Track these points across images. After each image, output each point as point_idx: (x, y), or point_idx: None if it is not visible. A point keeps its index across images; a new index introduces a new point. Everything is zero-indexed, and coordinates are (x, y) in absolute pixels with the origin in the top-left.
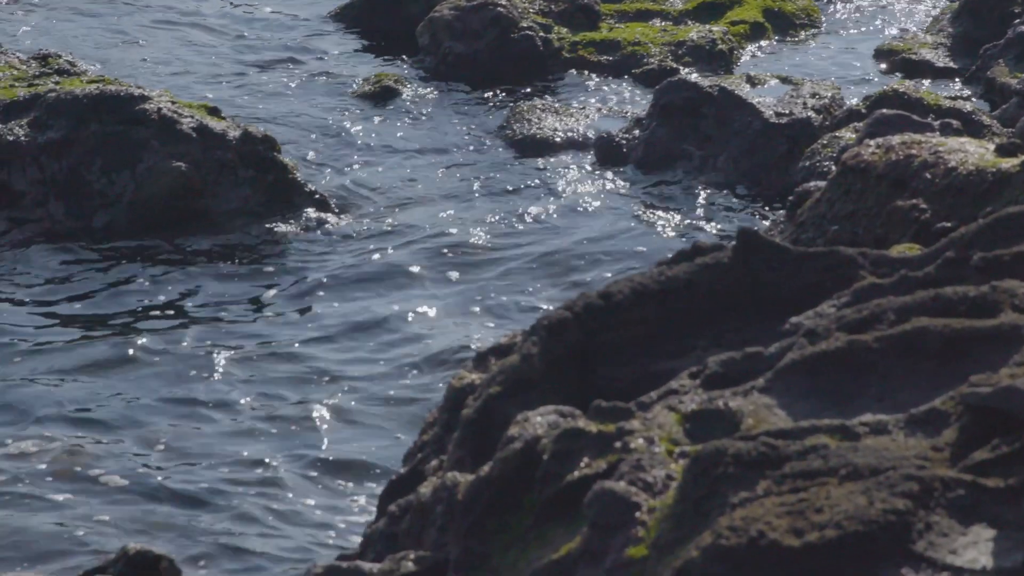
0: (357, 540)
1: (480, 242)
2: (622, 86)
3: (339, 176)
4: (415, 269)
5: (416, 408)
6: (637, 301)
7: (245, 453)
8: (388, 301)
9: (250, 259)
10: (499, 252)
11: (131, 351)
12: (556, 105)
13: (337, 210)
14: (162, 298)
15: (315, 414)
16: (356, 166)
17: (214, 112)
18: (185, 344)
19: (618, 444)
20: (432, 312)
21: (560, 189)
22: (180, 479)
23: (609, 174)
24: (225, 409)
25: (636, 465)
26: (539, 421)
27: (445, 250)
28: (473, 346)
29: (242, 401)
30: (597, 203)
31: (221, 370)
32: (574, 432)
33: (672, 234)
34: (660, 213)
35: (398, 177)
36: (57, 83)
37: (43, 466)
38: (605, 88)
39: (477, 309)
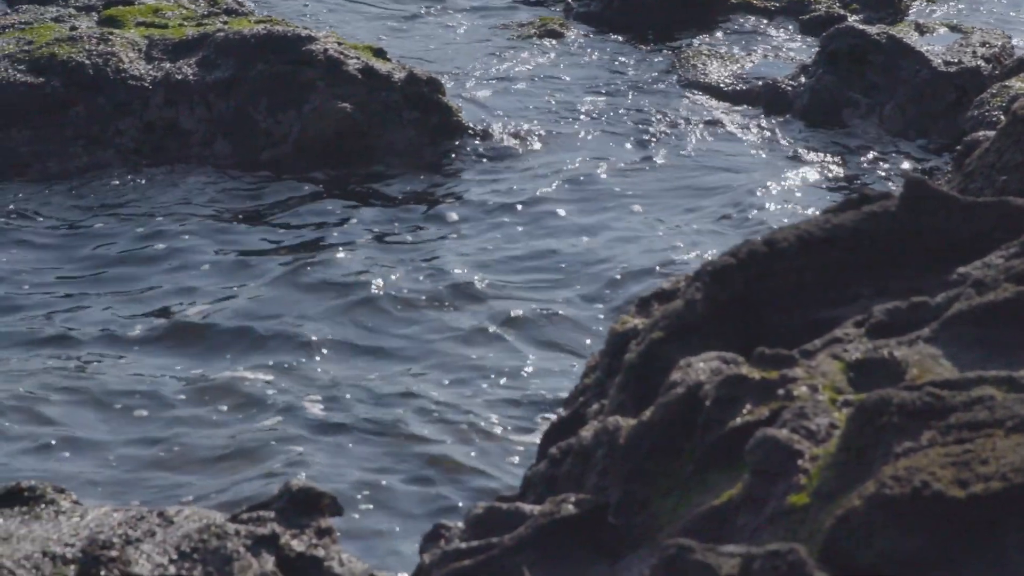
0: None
1: (641, 184)
2: (788, 32)
3: (502, 118)
4: (576, 207)
5: (591, 343)
6: (802, 249)
7: (404, 387)
8: (555, 237)
9: (414, 199)
10: (659, 194)
11: (304, 279)
12: (721, 51)
13: (500, 151)
14: (331, 232)
15: (482, 351)
16: (519, 108)
17: (379, 54)
18: (358, 273)
19: (781, 392)
20: (608, 246)
21: (725, 135)
22: (364, 414)
23: (774, 121)
24: (397, 339)
25: (799, 413)
26: (702, 367)
27: (609, 189)
28: (637, 282)
29: (409, 331)
30: (762, 150)
31: (391, 302)
32: (737, 379)
33: (837, 182)
34: (825, 161)
35: (562, 120)
36: (225, 23)
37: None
38: (771, 34)
39: (636, 247)
